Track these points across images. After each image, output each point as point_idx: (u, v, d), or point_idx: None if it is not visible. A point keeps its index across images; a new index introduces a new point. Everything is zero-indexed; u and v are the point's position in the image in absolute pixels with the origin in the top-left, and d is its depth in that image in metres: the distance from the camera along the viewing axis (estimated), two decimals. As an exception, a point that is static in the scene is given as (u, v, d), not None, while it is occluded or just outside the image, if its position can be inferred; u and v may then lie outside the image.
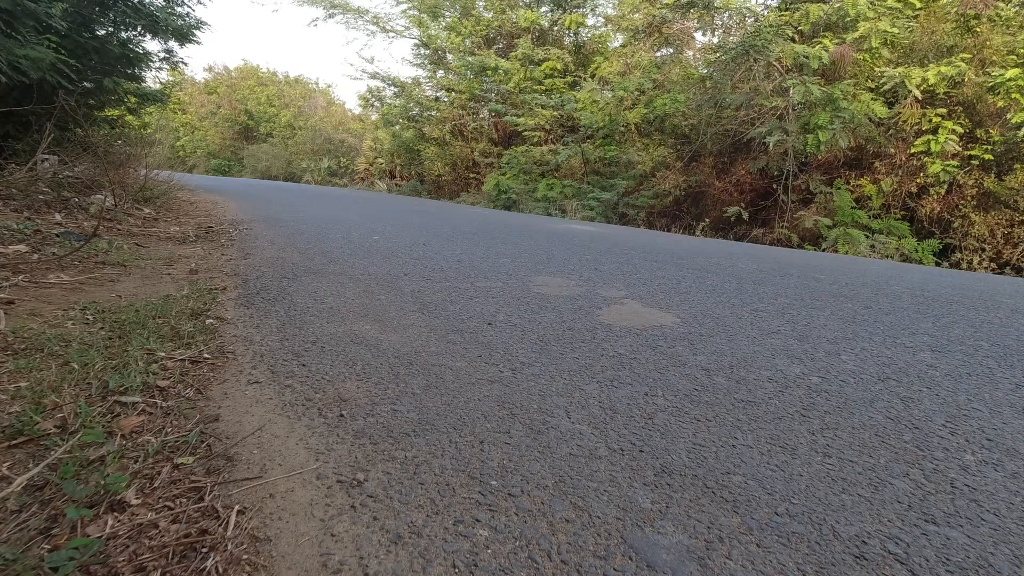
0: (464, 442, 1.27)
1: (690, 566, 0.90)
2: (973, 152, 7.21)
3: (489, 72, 13.89)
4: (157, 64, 6.28)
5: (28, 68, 3.94)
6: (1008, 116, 6.82)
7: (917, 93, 7.32)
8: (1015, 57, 7.18)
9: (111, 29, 5.61)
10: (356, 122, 25.70)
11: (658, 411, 1.47)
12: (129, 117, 7.53)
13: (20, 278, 2.36)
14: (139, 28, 5.66)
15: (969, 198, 7.26)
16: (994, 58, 7.46)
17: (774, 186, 8.63)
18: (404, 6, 16.10)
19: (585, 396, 1.55)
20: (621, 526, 0.99)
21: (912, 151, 7.48)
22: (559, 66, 13.43)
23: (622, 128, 11.08)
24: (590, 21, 14.78)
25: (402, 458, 1.19)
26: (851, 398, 1.59)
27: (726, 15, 10.37)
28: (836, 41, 8.13)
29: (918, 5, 8.22)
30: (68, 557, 0.83)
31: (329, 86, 36.92)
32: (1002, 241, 6.99)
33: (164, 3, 5.96)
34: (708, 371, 1.77)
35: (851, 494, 1.11)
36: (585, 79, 12.28)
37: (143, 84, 6.60)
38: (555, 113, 12.58)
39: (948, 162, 7.12)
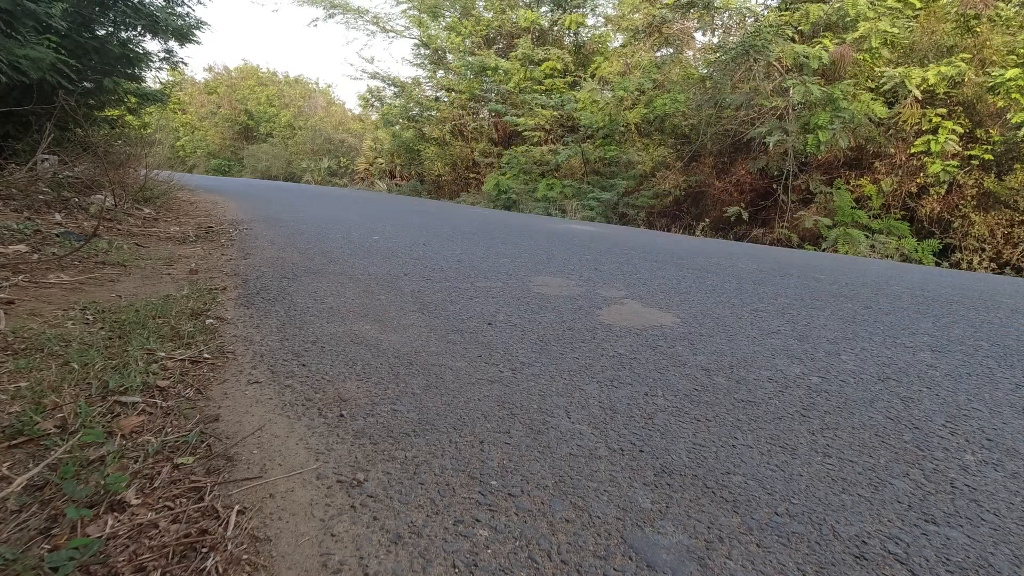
0: (464, 442, 1.27)
1: (690, 566, 0.90)
2: (973, 152, 7.21)
3: (489, 72, 13.89)
4: (157, 64, 6.28)
5: (28, 68, 3.94)
6: (1008, 116, 6.82)
7: (917, 93, 7.32)
8: (1015, 57, 7.18)
9: (111, 29, 5.61)
10: (356, 122, 25.71)
11: (658, 411, 1.47)
12: (129, 117, 7.53)
13: (20, 278, 2.36)
14: (139, 28, 5.66)
15: (969, 198, 7.26)
16: (994, 58, 7.46)
17: (774, 186, 8.63)
18: (404, 6, 16.12)
19: (585, 396, 1.55)
20: (621, 526, 0.99)
21: (912, 151, 7.48)
22: (559, 66, 13.43)
23: (622, 128, 11.08)
24: (590, 21, 14.79)
25: (402, 458, 1.19)
26: (851, 398, 1.59)
27: (726, 15, 10.37)
28: (836, 41, 8.13)
29: (918, 5, 8.22)
30: (68, 557, 0.83)
31: (329, 86, 36.96)
32: (1002, 241, 6.99)
33: (164, 3, 5.96)
34: (708, 371, 1.77)
35: (851, 494, 1.11)
36: (585, 79, 12.28)
37: (143, 84, 6.60)
38: (555, 113, 12.58)
39: (948, 162, 7.12)
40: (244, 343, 1.89)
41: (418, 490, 1.08)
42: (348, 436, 1.28)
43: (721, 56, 9.16)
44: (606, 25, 14.17)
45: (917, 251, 7.09)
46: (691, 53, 11.54)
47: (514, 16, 14.75)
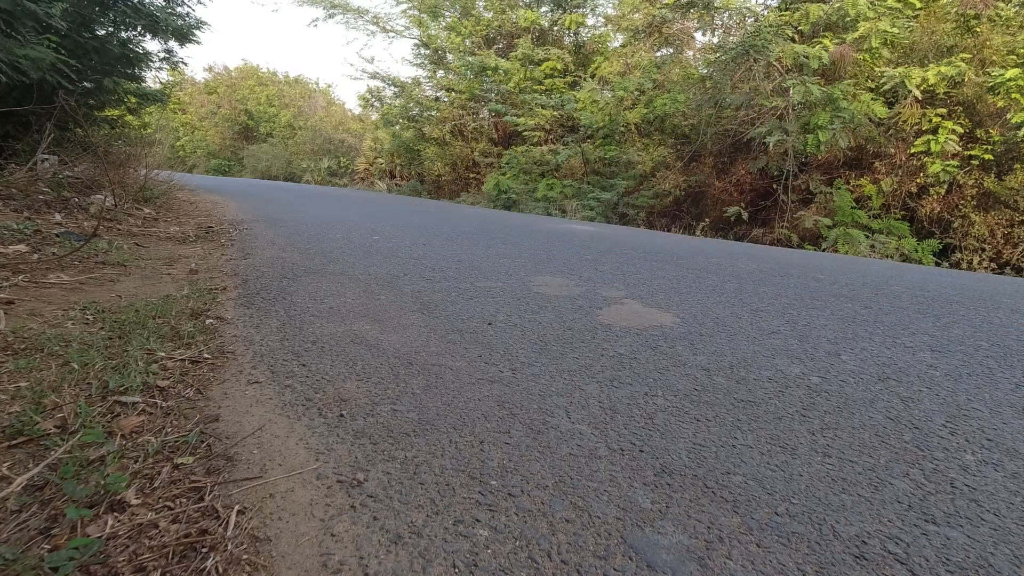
0: (464, 442, 1.27)
1: (690, 566, 0.90)
2: (973, 152, 7.21)
3: (489, 72, 13.89)
4: (157, 64, 6.28)
5: (28, 68, 3.94)
6: (1008, 116, 6.82)
7: (917, 93, 7.32)
8: (1015, 57, 7.18)
9: (111, 29, 5.61)
10: (356, 122, 25.70)
11: (658, 411, 1.47)
12: (129, 117, 7.53)
13: (20, 278, 2.36)
14: (139, 28, 5.66)
15: (969, 198, 7.26)
16: (994, 58, 7.46)
17: (774, 186, 8.63)
18: (404, 6, 16.12)
19: (585, 396, 1.55)
20: (621, 526, 0.99)
21: (912, 151, 7.48)
22: (559, 66, 13.43)
23: (622, 128, 11.08)
24: (590, 21, 14.80)
25: (402, 458, 1.19)
26: (851, 398, 1.59)
27: (726, 15, 10.37)
28: (836, 41, 8.13)
29: (918, 5, 8.22)
30: (68, 557, 0.83)
31: (329, 86, 36.94)
32: (1002, 241, 6.99)
33: (164, 3, 5.96)
34: (708, 371, 1.77)
35: (851, 494, 1.11)
36: (585, 79, 12.28)
37: (143, 84, 6.60)
38: (555, 113, 12.58)
39: (948, 162, 7.12)
40: (244, 343, 1.89)
41: (418, 490, 1.08)
42: (348, 436, 1.28)
43: (721, 56, 9.16)
44: (606, 25, 14.18)
45: (917, 251, 7.09)
46: (691, 53, 11.54)
47: (514, 16, 14.75)
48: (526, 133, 12.85)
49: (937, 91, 7.42)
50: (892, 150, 7.74)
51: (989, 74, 7.04)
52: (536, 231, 5.98)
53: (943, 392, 1.67)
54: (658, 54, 11.76)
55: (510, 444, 1.27)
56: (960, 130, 7.21)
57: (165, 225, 4.75)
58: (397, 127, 17.34)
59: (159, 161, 7.78)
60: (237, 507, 1.00)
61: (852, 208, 7.71)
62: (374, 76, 17.22)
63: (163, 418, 1.31)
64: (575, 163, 12.04)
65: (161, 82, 9.44)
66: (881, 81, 7.68)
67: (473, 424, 1.36)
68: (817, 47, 7.97)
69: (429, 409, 1.43)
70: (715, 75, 9.63)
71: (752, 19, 9.96)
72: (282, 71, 42.62)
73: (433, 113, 16.17)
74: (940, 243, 7.35)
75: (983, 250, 7.07)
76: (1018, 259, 6.84)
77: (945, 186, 7.32)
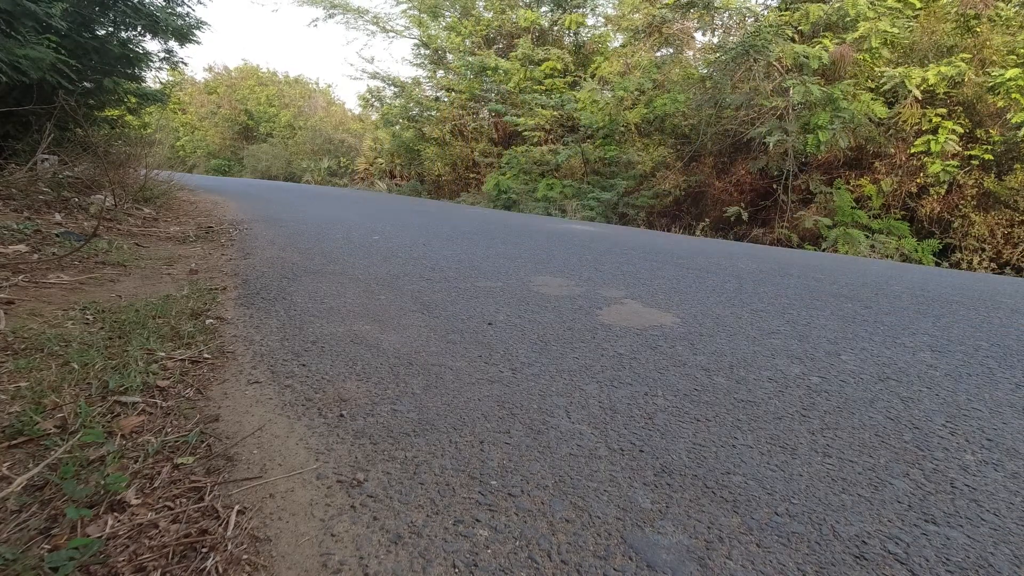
0: (464, 442, 1.27)
1: (690, 566, 0.90)
2: (973, 152, 7.21)
3: (489, 72, 13.89)
4: (157, 64, 6.28)
5: (28, 68, 3.94)
6: (1008, 116, 6.82)
7: (917, 93, 7.32)
8: (1015, 57, 7.18)
9: (111, 29, 5.61)
10: (356, 122, 25.70)
11: (658, 411, 1.47)
12: (129, 117, 7.53)
13: (20, 278, 2.36)
14: (139, 28, 5.66)
15: (969, 198, 7.26)
16: (994, 58, 7.46)
17: (774, 186, 8.63)
18: (404, 6, 16.12)
19: (585, 396, 1.55)
20: (621, 526, 0.99)
21: (912, 151, 7.48)
22: (559, 66, 13.43)
23: (622, 128, 11.08)
24: (590, 21, 14.79)
25: (402, 458, 1.19)
26: (851, 398, 1.59)
27: (726, 15, 10.37)
28: (836, 41, 8.13)
29: (918, 5, 8.22)
30: (68, 557, 0.83)
31: (329, 86, 36.94)
32: (1002, 241, 6.99)
33: (164, 3, 5.96)
34: (708, 371, 1.77)
35: (851, 494, 1.11)
36: (585, 79, 12.28)
37: (143, 84, 6.60)
38: (555, 113, 12.58)
39: (948, 162, 7.12)
40: (244, 343, 1.89)
41: (418, 490, 1.08)
42: (348, 436, 1.28)
43: (721, 56, 9.16)
44: (606, 25, 14.18)
45: (917, 251, 7.09)
46: (691, 53, 11.54)
47: (514, 16, 14.75)
48: (526, 133, 12.85)
49: (937, 91, 7.42)
50: (892, 150, 7.74)
51: (989, 74, 7.04)
52: (536, 231, 5.98)
53: (943, 392, 1.67)
54: (658, 54, 11.76)
55: (510, 444, 1.27)
56: (960, 130, 7.21)
57: (165, 225, 4.75)
58: (397, 127, 17.34)
59: (159, 161, 7.78)
60: (237, 507, 1.00)
61: (852, 208, 7.71)
62: (374, 76, 17.24)
63: (163, 418, 1.31)
64: (575, 163, 12.04)
65: (161, 82, 9.44)
66: (881, 81, 7.68)
67: (473, 424, 1.36)
68: (817, 47, 7.97)
69: (429, 409, 1.43)
70: (715, 75, 9.63)
71: (752, 19, 9.96)
72: (282, 71, 42.65)
73: (433, 113, 16.17)
74: (940, 243, 7.35)
75: (983, 250, 7.07)
76: (1018, 259, 6.84)
77: (945, 186, 7.32)
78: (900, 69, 7.49)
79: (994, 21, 7.74)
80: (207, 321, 2.08)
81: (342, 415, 1.38)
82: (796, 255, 5.21)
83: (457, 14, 15.65)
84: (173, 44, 6.22)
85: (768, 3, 10.47)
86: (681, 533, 0.98)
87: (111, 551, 0.87)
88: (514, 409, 1.45)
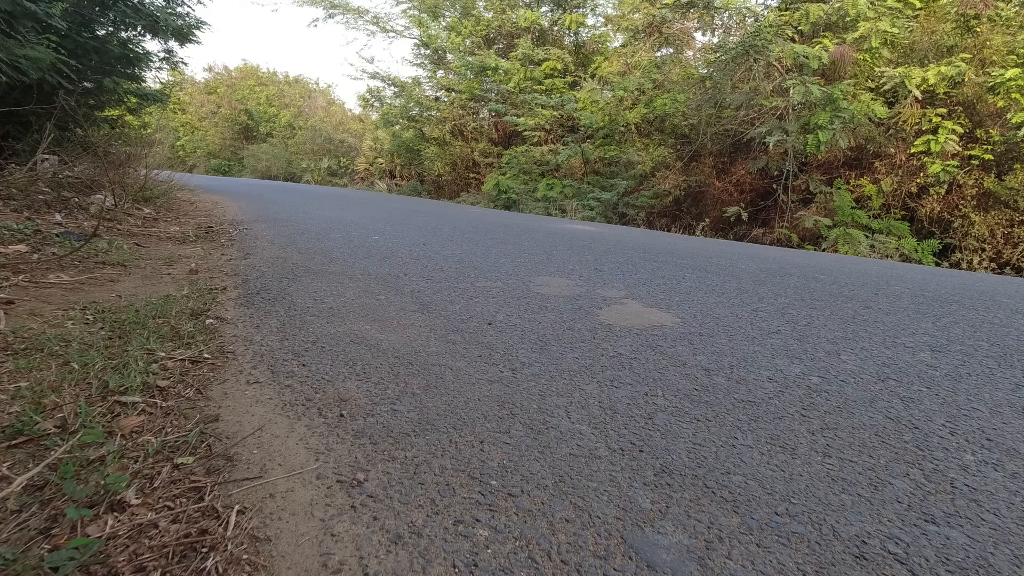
0: (464, 442, 1.27)
1: (690, 566, 0.90)
2: (973, 152, 7.21)
3: (489, 72, 13.89)
4: (157, 64, 6.29)
5: (28, 68, 3.94)
6: (1008, 116, 6.82)
7: (917, 93, 7.32)
8: (1015, 57, 7.18)
9: (111, 29, 5.61)
10: (356, 122, 25.70)
11: (658, 411, 1.47)
12: (129, 117, 7.54)
13: (20, 278, 2.36)
14: (139, 28, 5.66)
15: (969, 198, 7.26)
16: (994, 58, 7.46)
17: (774, 186, 8.63)
18: (404, 6, 16.14)
19: (585, 396, 1.55)
20: (621, 526, 0.99)
21: (912, 151, 7.48)
22: (559, 66, 13.44)
23: (622, 128, 11.08)
24: (590, 21, 14.80)
25: (402, 458, 1.19)
26: (851, 398, 1.59)
27: (726, 15, 10.37)
28: (836, 41, 8.13)
29: (918, 5, 8.22)
30: (68, 557, 0.83)
31: (329, 86, 36.92)
32: (1002, 241, 6.99)
33: (164, 3, 5.96)
34: (708, 371, 1.77)
35: (851, 494, 1.11)
36: (585, 79, 12.29)
37: (143, 84, 6.60)
38: (555, 113, 12.59)
39: (948, 162, 7.12)
40: (244, 343, 1.89)
41: (418, 490, 1.08)
42: (348, 436, 1.28)
43: (721, 56, 9.16)
44: (606, 25, 14.17)
45: (917, 251, 7.09)
46: (691, 53, 11.55)
47: (514, 16, 14.75)
48: (526, 133, 12.85)
49: (937, 91, 7.42)
50: (892, 150, 7.74)
51: (989, 74, 7.04)
52: (536, 231, 5.98)
53: (943, 392, 1.67)
54: (658, 54, 11.76)
55: (510, 444, 1.27)
56: (960, 130, 7.21)
57: (165, 225, 4.75)
58: (397, 127, 17.34)
59: (159, 161, 7.77)
60: (237, 507, 1.00)
61: (852, 208, 7.71)
62: (374, 76, 17.24)
63: (163, 418, 1.31)
64: (575, 163, 12.04)
65: (161, 82, 9.45)
66: (881, 81, 7.68)
67: (473, 424, 1.36)
68: (817, 47, 7.97)
69: (429, 409, 1.43)
70: (715, 75, 9.64)
71: (752, 19, 9.96)
72: (282, 71, 42.64)
73: (433, 113, 16.17)
74: (940, 243, 7.35)
75: (983, 250, 7.07)
76: (1018, 259, 6.84)
77: (945, 186, 7.32)
78: (900, 69, 7.49)
79: (994, 21, 7.74)
80: (207, 321, 2.08)
81: (342, 415, 1.38)
82: (796, 255, 5.22)
83: (457, 14, 15.65)
84: (173, 44, 6.23)
85: (768, 3, 10.47)
86: (681, 533, 0.98)
87: (111, 551, 0.87)
88: (514, 409, 1.45)
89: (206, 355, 1.72)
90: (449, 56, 16.29)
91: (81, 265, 2.80)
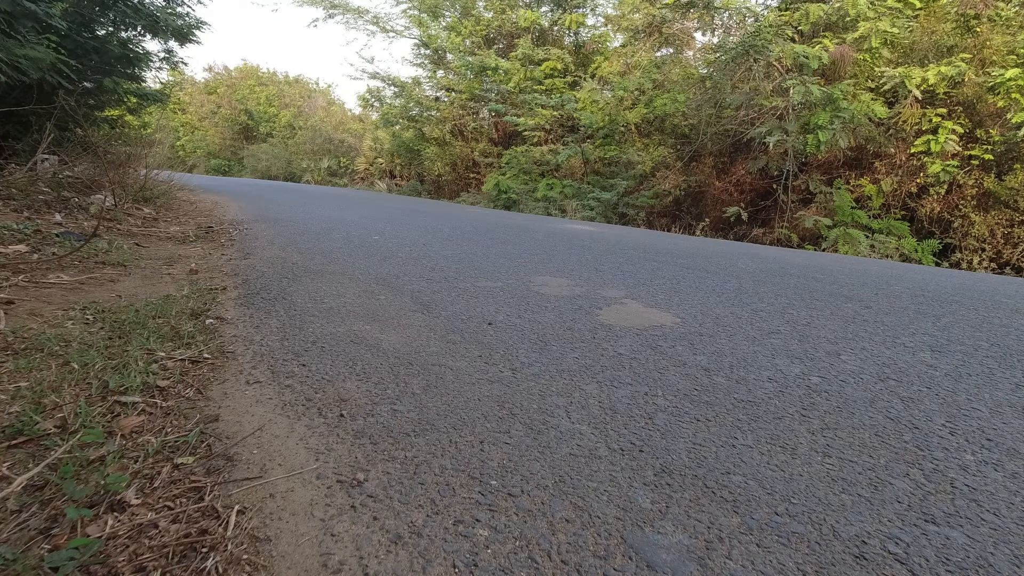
0: (464, 442, 1.27)
1: (690, 566, 0.90)
2: (973, 152, 7.21)
3: (489, 72, 13.89)
4: (157, 64, 6.29)
5: (28, 68, 3.94)
6: (1008, 116, 6.82)
7: (917, 93, 7.32)
8: (1015, 57, 7.18)
9: (111, 29, 5.61)
10: (356, 122, 25.70)
11: (658, 411, 1.47)
12: (129, 117, 7.54)
13: (20, 278, 2.36)
14: (139, 28, 5.66)
15: (969, 198, 7.26)
16: (994, 58, 7.46)
17: (774, 186, 8.63)
18: (404, 6, 16.13)
19: (585, 396, 1.55)
20: (621, 526, 0.99)
21: (912, 151, 7.48)
22: (559, 66, 13.44)
23: (622, 128, 11.08)
24: (590, 21, 14.80)
25: (402, 458, 1.19)
26: (851, 398, 1.59)
27: (726, 15, 10.37)
28: (836, 41, 8.13)
29: (918, 5, 8.22)
30: (68, 557, 0.83)
31: (329, 86, 36.90)
32: (1002, 241, 6.99)
33: (164, 3, 5.96)
34: (708, 371, 1.77)
35: (851, 494, 1.11)
36: (585, 79, 12.29)
37: (143, 84, 6.60)
38: (555, 113, 12.59)
39: (948, 162, 7.12)
40: (244, 343, 1.89)
41: (418, 490, 1.08)
42: (348, 436, 1.28)
43: (721, 56, 9.16)
44: (606, 25, 14.17)
45: (917, 251, 7.09)
46: (691, 53, 11.55)
47: (514, 16, 14.75)
48: (526, 133, 12.85)
49: (937, 91, 7.42)
50: (892, 150, 7.74)
51: (989, 74, 7.04)
52: (536, 231, 5.98)
53: (943, 392, 1.67)
54: (658, 54, 11.76)
55: (510, 444, 1.27)
56: (960, 130, 7.21)
57: (165, 225, 4.75)
58: (397, 127, 17.34)
59: (159, 161, 7.77)
60: (237, 507, 1.00)
61: (852, 208, 7.71)
62: (374, 76, 17.24)
63: (163, 418, 1.31)
64: (575, 163, 12.05)
65: (161, 82, 9.45)
66: (881, 81, 7.68)
67: (473, 424, 1.36)
68: (817, 47, 7.97)
69: (429, 409, 1.43)
70: (715, 75, 9.64)
71: (752, 19, 9.96)
72: (282, 71, 42.64)
73: (433, 113, 16.17)
74: (940, 243, 7.35)
75: (983, 250, 7.07)
76: (1018, 259, 6.84)
77: (945, 186, 7.32)
78: (900, 69, 7.49)
79: (994, 21, 7.74)
80: (207, 321, 2.08)
81: (342, 415, 1.38)
82: (796, 255, 5.22)
83: (457, 14, 15.65)
84: (173, 44, 6.23)
85: (768, 3, 10.47)
86: (681, 533, 0.98)
87: (111, 551, 0.87)
88: (514, 409, 1.45)
89: (206, 355, 1.72)
90: (449, 56, 16.30)
91: (81, 265, 2.80)
